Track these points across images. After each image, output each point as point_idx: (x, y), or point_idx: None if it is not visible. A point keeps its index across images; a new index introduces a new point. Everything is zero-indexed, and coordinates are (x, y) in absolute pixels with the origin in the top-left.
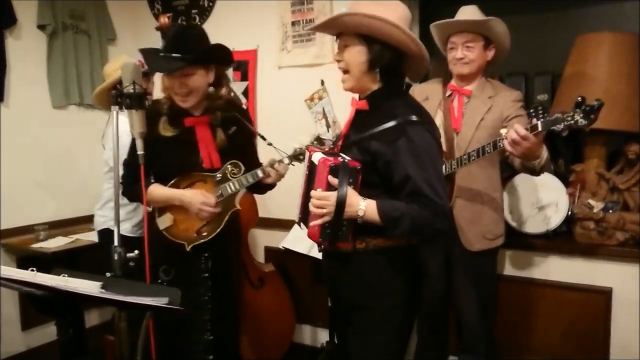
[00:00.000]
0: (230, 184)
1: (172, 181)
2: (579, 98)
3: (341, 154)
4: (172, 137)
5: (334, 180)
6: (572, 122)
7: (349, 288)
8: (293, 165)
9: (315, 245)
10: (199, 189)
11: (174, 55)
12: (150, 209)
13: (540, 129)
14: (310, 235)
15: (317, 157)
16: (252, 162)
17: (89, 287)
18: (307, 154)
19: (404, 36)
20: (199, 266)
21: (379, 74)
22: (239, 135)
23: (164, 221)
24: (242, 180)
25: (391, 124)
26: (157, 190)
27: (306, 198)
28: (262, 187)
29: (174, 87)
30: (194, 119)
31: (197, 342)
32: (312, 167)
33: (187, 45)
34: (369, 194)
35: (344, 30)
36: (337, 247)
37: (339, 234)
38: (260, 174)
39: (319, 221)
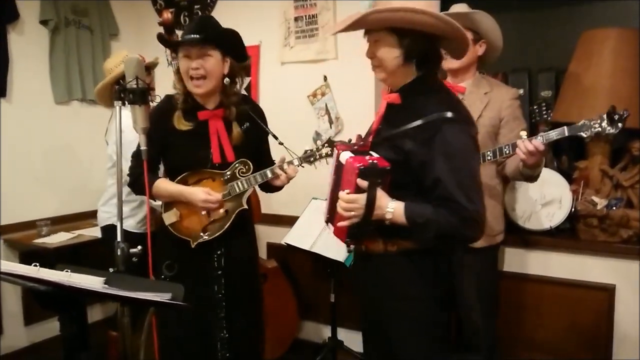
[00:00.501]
0: (239, 182)
1: (180, 177)
2: (610, 107)
3: (371, 152)
4: (185, 130)
5: (362, 183)
6: (600, 129)
7: (381, 291)
8: (302, 166)
9: (318, 242)
10: (206, 186)
11: (193, 36)
12: (154, 203)
13: (567, 134)
14: (336, 234)
15: (345, 156)
16: (265, 160)
17: (92, 282)
18: (335, 152)
19: (437, 21)
20: (212, 264)
21: (415, 63)
22: (252, 132)
23: (169, 217)
24: (250, 180)
25: (425, 120)
26: (163, 185)
27: (333, 197)
28: (270, 187)
29: (190, 68)
30: (207, 112)
31: (213, 339)
32: (339, 166)
33: (207, 27)
34: (400, 196)
35: (373, 27)
36: (369, 249)
37: (367, 235)
38: (269, 174)
39: (346, 222)
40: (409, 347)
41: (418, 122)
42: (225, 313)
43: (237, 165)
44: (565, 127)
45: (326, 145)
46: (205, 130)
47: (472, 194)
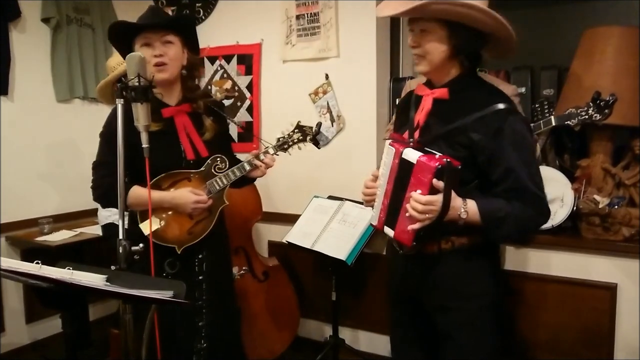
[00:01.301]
0: (218, 179)
1: (152, 181)
2: (595, 93)
3: (430, 150)
4: (153, 131)
5: (439, 184)
6: (586, 116)
7: (438, 290)
8: (277, 155)
9: (319, 240)
10: (185, 187)
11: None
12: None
13: (554, 123)
14: (399, 239)
15: (413, 155)
16: (230, 154)
17: (93, 280)
18: (392, 149)
19: (495, 22)
20: (192, 269)
21: (463, 60)
22: (218, 125)
23: (147, 226)
24: (229, 175)
25: (489, 110)
26: (141, 193)
27: (395, 199)
28: (244, 180)
29: (153, 55)
30: (172, 109)
31: (191, 350)
32: (404, 165)
33: (162, 15)
34: (462, 193)
35: (427, 16)
36: (422, 250)
37: (436, 236)
38: (247, 167)
39: (418, 225)
40: (479, 347)
41: (479, 114)
42: (205, 321)
43: (211, 162)
44: (552, 117)
45: (297, 130)
46: (172, 128)
47: (540, 183)
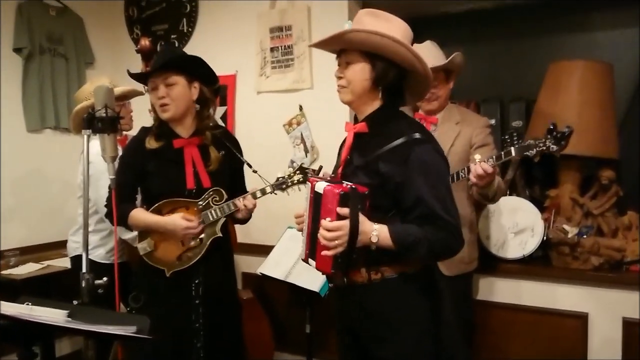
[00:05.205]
0: (212, 211)
1: (154, 206)
2: (551, 125)
3: (344, 181)
4: (162, 159)
5: (343, 210)
6: (544, 147)
7: (371, 321)
8: (275, 194)
9: (293, 271)
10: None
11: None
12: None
13: (514, 154)
14: (320, 268)
15: (321, 186)
16: (240, 190)
17: (54, 315)
18: (308, 184)
19: (410, 55)
20: (190, 293)
21: (382, 91)
22: (228, 160)
23: (144, 247)
24: (224, 208)
25: (398, 142)
26: (140, 215)
27: (313, 231)
28: (236, 219)
29: (157, 96)
30: (182, 141)
31: None
32: (316, 197)
33: (168, 56)
34: (380, 218)
35: (347, 46)
36: (352, 280)
37: (351, 264)
38: (232, 206)
39: (330, 252)
40: None
41: (390, 145)
42: (203, 343)
43: (211, 193)
44: (512, 148)
45: (298, 172)
46: (181, 157)
47: (452, 208)
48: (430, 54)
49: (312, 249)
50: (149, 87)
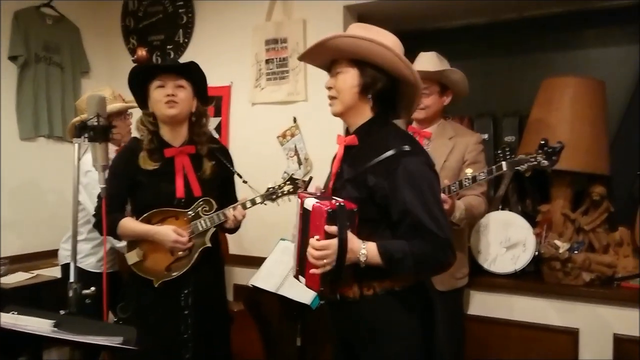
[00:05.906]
0: (202, 221)
1: (144, 216)
2: (542, 140)
3: (334, 196)
4: (153, 169)
5: (331, 229)
6: (535, 162)
7: (363, 335)
8: (265, 204)
9: (285, 284)
10: (171, 224)
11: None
12: (118, 244)
13: (505, 169)
14: (309, 286)
15: (310, 203)
16: (231, 201)
17: (40, 325)
18: (298, 200)
19: (399, 61)
20: (179, 303)
21: (372, 100)
22: (219, 171)
23: (132, 256)
24: (214, 218)
25: (386, 155)
26: (130, 224)
27: (302, 248)
28: (224, 228)
29: (165, 93)
30: (174, 150)
31: None
32: (305, 214)
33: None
34: (370, 231)
35: (337, 55)
36: (344, 295)
37: (341, 281)
38: (221, 216)
39: (318, 270)
40: None
41: (379, 158)
42: (192, 354)
43: (201, 203)
44: (503, 162)
45: (288, 182)
46: (171, 167)
47: (441, 220)
48: (428, 62)
49: (302, 266)
50: (154, 85)
